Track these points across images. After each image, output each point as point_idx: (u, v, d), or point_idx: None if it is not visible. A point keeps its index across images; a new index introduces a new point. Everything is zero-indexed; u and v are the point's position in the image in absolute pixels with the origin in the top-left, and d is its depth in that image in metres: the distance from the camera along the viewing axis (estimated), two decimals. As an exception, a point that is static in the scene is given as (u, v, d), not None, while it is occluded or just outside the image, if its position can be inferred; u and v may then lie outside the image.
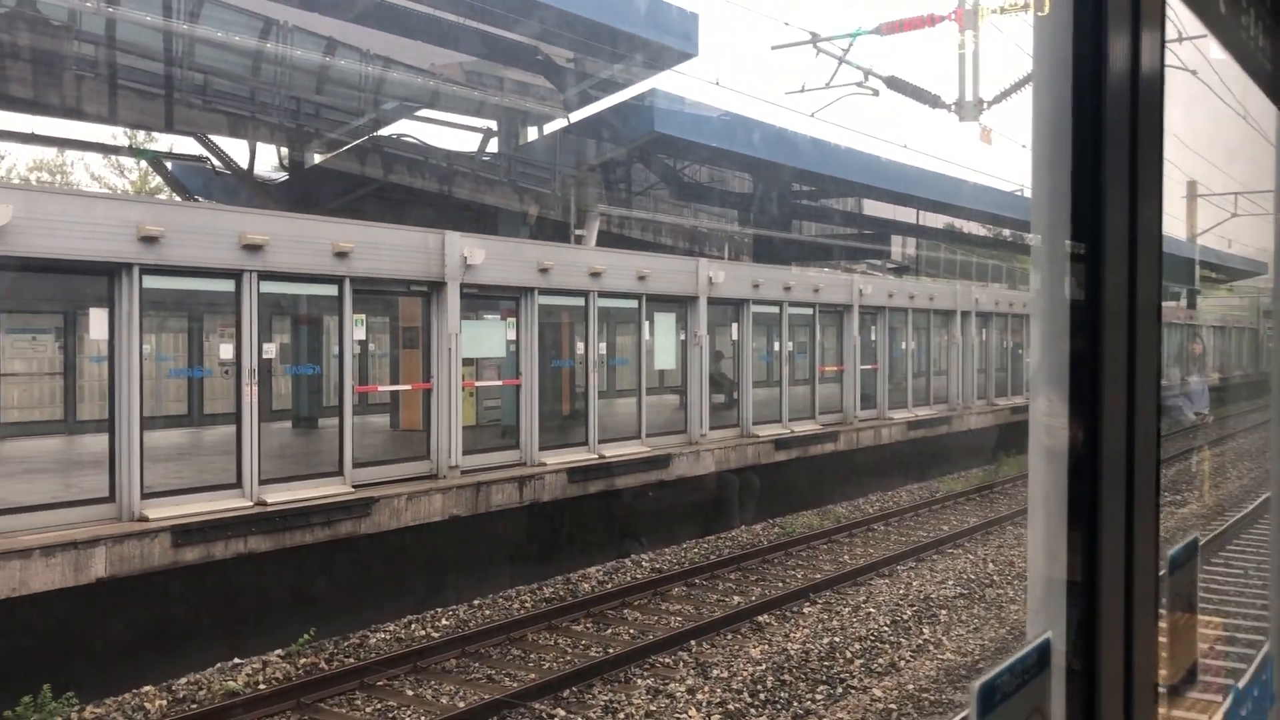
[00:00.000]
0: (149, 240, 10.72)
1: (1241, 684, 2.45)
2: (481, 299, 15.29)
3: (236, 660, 10.88)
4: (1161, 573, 1.72)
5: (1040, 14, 1.52)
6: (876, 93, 19.75)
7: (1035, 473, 1.51)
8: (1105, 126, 1.52)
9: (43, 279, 14.70)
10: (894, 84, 20.07)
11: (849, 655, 11.41)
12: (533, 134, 23.67)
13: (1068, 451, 1.49)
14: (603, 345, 17.37)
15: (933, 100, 19.98)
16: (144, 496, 10.76)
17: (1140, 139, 1.60)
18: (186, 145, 21.07)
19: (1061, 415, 1.49)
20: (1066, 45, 1.51)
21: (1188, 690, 2.01)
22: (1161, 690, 1.73)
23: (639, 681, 10.59)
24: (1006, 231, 39.54)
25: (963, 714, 9.10)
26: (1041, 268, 1.54)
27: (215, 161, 20.29)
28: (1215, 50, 2.54)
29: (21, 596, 9.38)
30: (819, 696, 10.19)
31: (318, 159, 21.66)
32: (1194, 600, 2.01)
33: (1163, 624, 1.76)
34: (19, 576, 9.36)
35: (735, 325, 19.80)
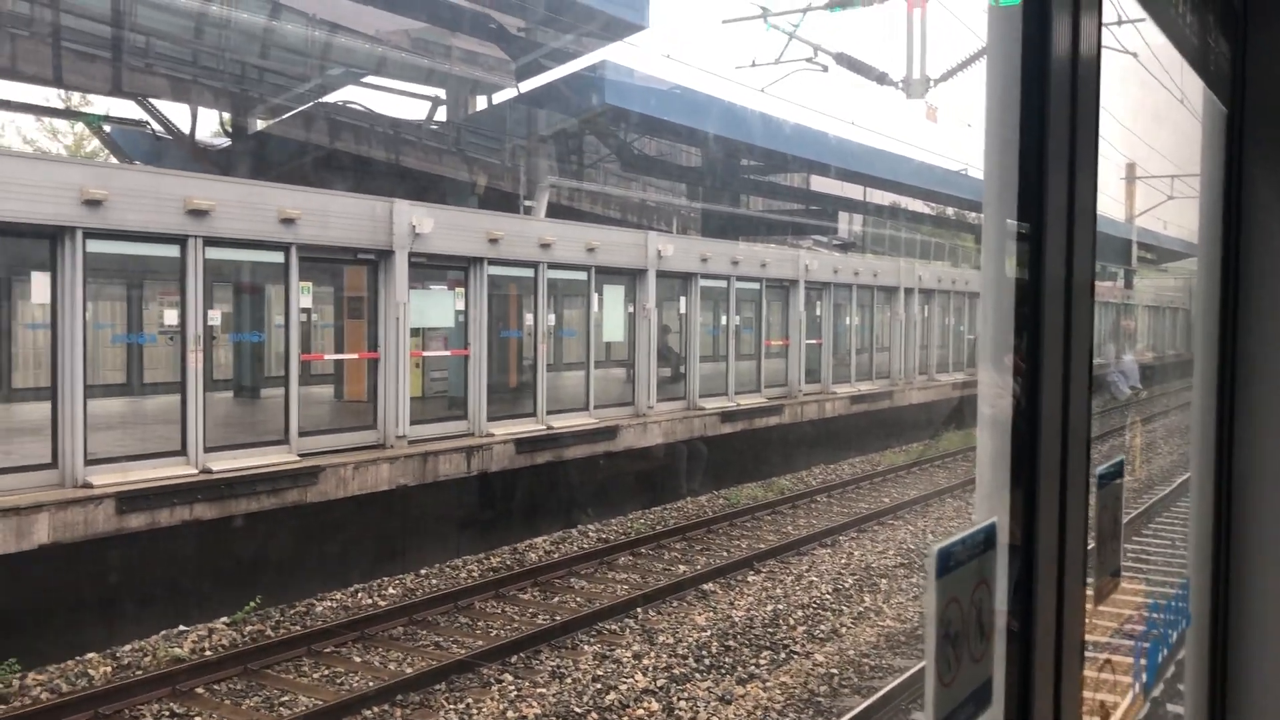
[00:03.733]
0: (92, 204, 10.55)
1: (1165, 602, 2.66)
2: (430, 269, 15.22)
3: (182, 627, 10.84)
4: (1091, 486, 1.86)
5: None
6: (825, 69, 19.91)
7: (983, 431, 1.62)
8: (1048, 108, 1.61)
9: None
10: (842, 60, 20.23)
11: (792, 622, 11.66)
12: (482, 103, 23.49)
13: (1011, 415, 1.61)
14: (551, 317, 17.38)
15: (880, 77, 20.17)
16: (87, 463, 10.65)
17: (1079, 120, 1.69)
18: (126, 109, 20.63)
19: (1006, 383, 1.60)
20: (1016, 27, 1.59)
21: (1111, 592, 2.18)
22: (1090, 579, 1.87)
23: (586, 648, 10.74)
24: (950, 210, 40.08)
25: (897, 680, 9.38)
26: (990, 245, 1.64)
27: (156, 126, 19.88)
28: (1157, 34, 2.67)
29: (-39, 564, 9.28)
30: (763, 661, 10.42)
31: (261, 125, 21.31)
32: (1119, 514, 2.19)
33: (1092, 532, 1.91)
34: (-42, 544, 9.25)
35: (683, 299, 19.91)
